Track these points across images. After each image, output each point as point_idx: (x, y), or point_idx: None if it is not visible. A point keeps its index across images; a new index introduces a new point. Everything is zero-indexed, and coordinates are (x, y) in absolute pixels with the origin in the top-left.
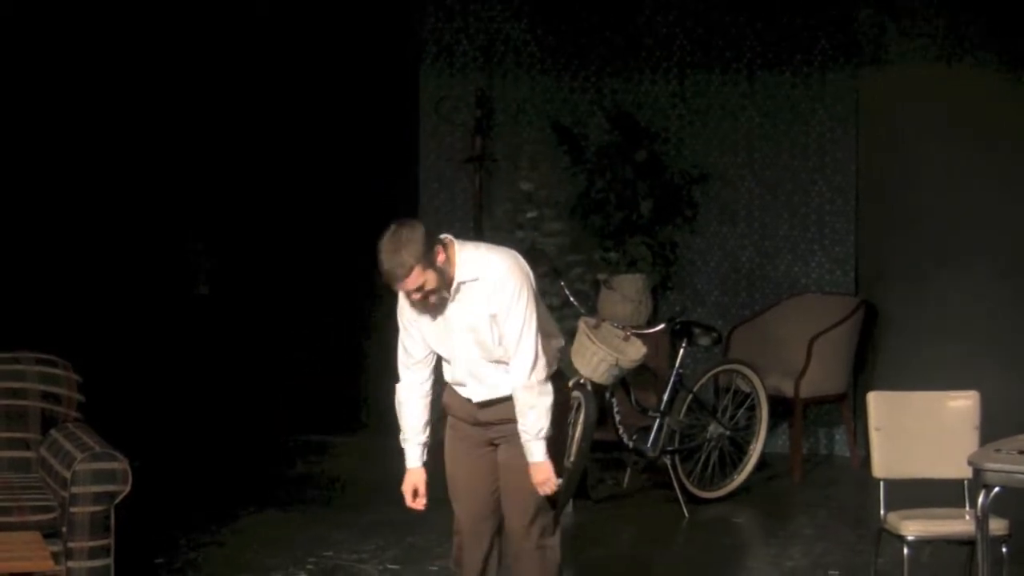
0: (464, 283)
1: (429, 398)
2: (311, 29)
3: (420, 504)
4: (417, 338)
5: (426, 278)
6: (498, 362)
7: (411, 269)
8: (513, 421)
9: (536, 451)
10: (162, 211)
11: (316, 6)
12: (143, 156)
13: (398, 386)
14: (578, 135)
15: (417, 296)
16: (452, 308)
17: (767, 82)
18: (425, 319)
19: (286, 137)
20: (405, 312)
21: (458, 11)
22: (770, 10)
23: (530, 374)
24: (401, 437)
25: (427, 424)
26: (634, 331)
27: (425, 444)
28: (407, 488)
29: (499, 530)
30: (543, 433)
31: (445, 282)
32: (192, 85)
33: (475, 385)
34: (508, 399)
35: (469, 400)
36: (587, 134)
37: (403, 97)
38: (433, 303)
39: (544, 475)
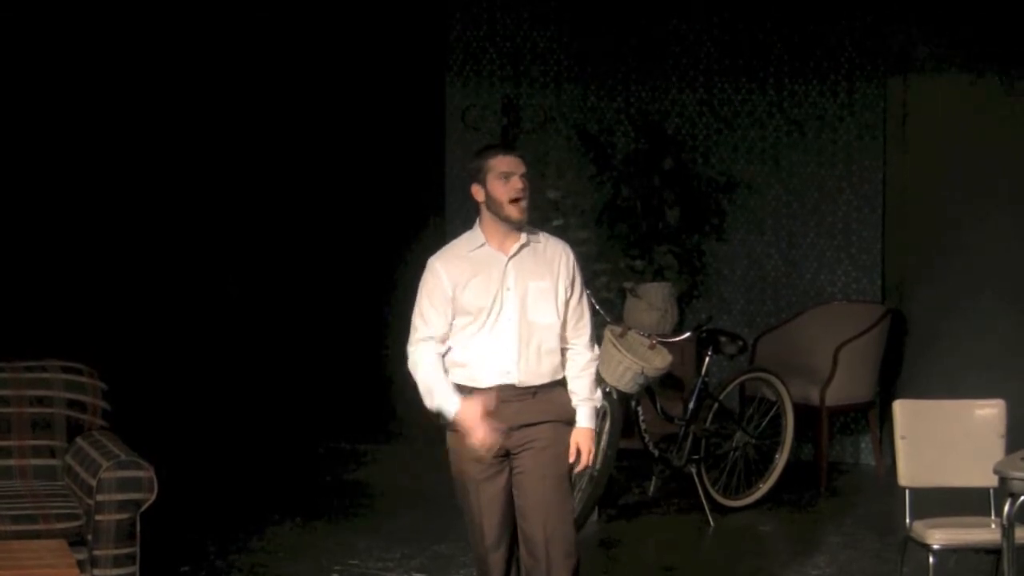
0: (528, 243)
1: (443, 369)
2: (338, 38)
3: (490, 439)
4: (442, 310)
5: (527, 181)
6: (543, 331)
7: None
8: (543, 423)
9: (589, 416)
10: (190, 218)
11: (342, 15)
12: (171, 163)
13: (414, 360)
14: (605, 143)
15: (519, 184)
16: (511, 267)
17: (794, 90)
18: (478, 278)
19: (313, 144)
20: (452, 273)
21: (485, 19)
22: (797, 18)
23: (591, 339)
24: (432, 395)
25: (449, 381)
26: (660, 339)
27: (455, 390)
28: (476, 413)
29: (515, 541)
30: (597, 397)
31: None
32: (219, 93)
33: (516, 350)
34: (541, 388)
35: (504, 385)
36: (614, 142)
37: (429, 105)
38: (521, 195)
39: (590, 443)
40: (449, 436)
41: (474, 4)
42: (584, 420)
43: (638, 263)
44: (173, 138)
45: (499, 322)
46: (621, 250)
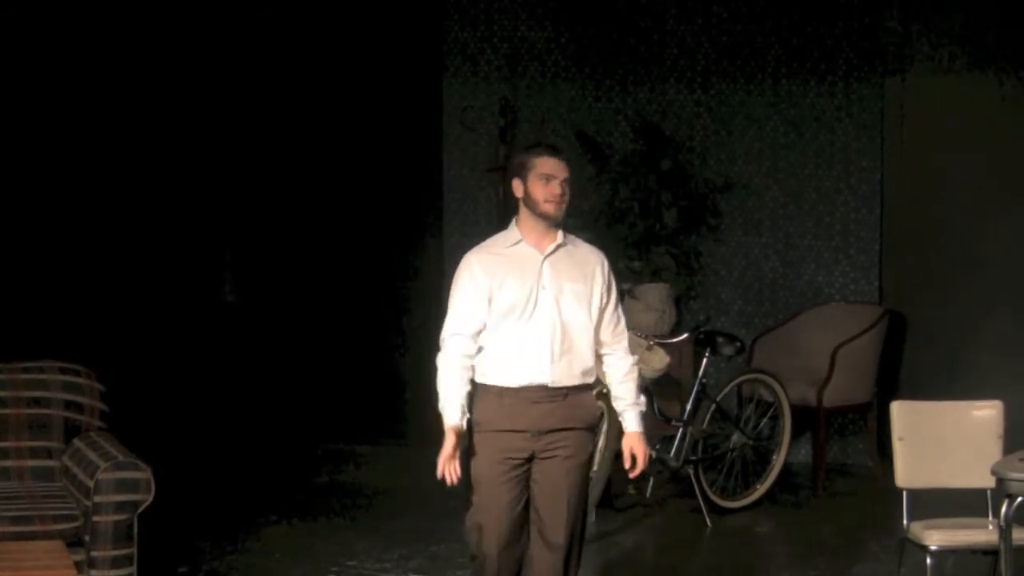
0: (565, 244)
1: (469, 374)
2: (336, 39)
3: (453, 476)
4: (482, 305)
5: (568, 186)
6: (577, 332)
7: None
8: (569, 430)
9: (638, 420)
10: (188, 219)
11: (340, 16)
12: (170, 165)
13: (442, 355)
14: (602, 144)
15: (557, 190)
16: (547, 265)
17: (792, 91)
18: (514, 274)
19: (311, 146)
20: (488, 268)
21: (482, 20)
22: (795, 19)
23: (629, 345)
24: (441, 403)
25: (466, 392)
26: (657, 340)
27: (464, 406)
28: (450, 450)
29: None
30: (642, 401)
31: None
32: (218, 96)
33: (549, 349)
34: (572, 391)
35: (536, 385)
36: (611, 143)
37: (427, 106)
38: (559, 200)
39: (644, 446)
40: (476, 437)
41: (471, 5)
42: (634, 424)
43: (636, 264)
44: (171, 137)
45: (533, 319)
46: (619, 251)
